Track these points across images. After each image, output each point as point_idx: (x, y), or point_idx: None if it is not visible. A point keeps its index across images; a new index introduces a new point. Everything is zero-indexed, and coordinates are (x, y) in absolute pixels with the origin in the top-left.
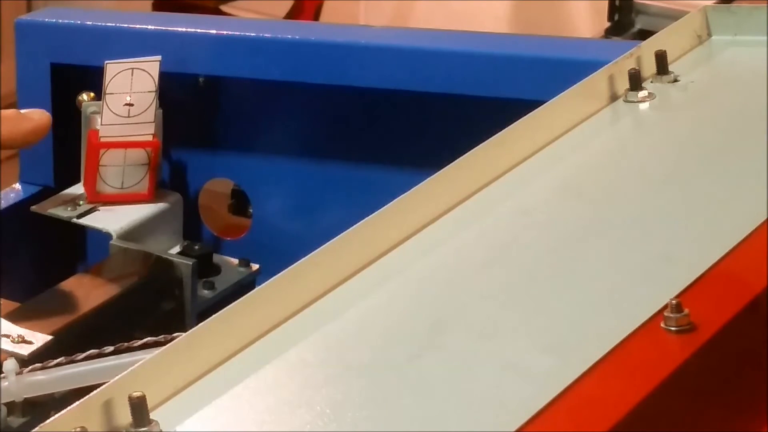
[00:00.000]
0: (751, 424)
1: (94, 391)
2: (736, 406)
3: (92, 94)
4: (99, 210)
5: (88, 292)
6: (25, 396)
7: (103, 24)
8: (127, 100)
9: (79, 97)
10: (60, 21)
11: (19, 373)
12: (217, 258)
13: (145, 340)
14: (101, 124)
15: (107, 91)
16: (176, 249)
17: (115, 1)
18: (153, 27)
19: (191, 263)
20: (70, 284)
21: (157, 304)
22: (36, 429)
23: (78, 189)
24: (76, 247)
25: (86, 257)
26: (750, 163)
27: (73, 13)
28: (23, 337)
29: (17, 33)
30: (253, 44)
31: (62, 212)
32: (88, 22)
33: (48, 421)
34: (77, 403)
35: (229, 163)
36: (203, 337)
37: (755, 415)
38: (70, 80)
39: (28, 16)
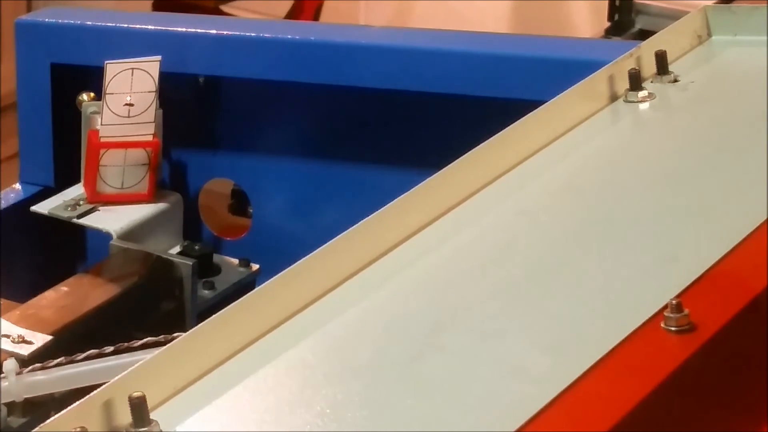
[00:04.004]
0: (751, 424)
1: (94, 391)
2: (736, 406)
3: (92, 94)
4: (99, 210)
5: (88, 292)
6: (25, 396)
7: (103, 24)
8: (128, 100)
9: (79, 97)
10: (60, 21)
11: (19, 373)
12: (217, 258)
13: (145, 340)
14: (101, 124)
15: (107, 91)
16: (176, 249)
17: (115, 1)
18: (153, 27)
19: (191, 263)
20: (70, 284)
21: (157, 304)
22: (36, 429)
23: (78, 189)
24: (76, 247)
25: (86, 257)
26: (750, 163)
27: (73, 13)
28: (23, 337)
29: (17, 33)
30: (253, 44)
31: (62, 212)
32: (88, 22)
33: (48, 421)
34: (77, 403)
35: (229, 163)
36: (203, 337)
37: (755, 415)
38: (70, 80)
39: (28, 16)
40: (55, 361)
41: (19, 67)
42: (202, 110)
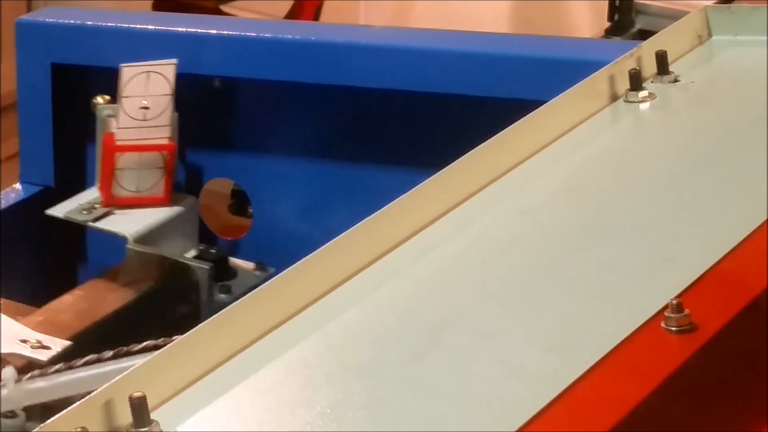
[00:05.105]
0: (751, 424)
1: (95, 391)
2: (736, 406)
3: (107, 97)
4: (114, 213)
5: (105, 296)
6: (25, 404)
7: (103, 24)
8: (143, 104)
9: (94, 100)
10: (60, 21)
11: (18, 381)
12: (232, 261)
13: (144, 344)
14: (117, 128)
15: (123, 95)
16: (192, 253)
17: (115, 1)
18: (153, 27)
19: (208, 267)
20: (86, 288)
21: (173, 308)
22: (36, 429)
23: (93, 192)
24: (76, 246)
25: (86, 257)
26: (750, 163)
27: (73, 13)
28: (41, 342)
29: (17, 33)
30: (253, 44)
31: (78, 216)
32: (88, 22)
33: (48, 421)
34: (78, 403)
35: (229, 163)
36: (203, 337)
37: (755, 415)
38: (70, 80)
39: (28, 16)
40: (54, 368)
41: (19, 67)
42: (201, 110)
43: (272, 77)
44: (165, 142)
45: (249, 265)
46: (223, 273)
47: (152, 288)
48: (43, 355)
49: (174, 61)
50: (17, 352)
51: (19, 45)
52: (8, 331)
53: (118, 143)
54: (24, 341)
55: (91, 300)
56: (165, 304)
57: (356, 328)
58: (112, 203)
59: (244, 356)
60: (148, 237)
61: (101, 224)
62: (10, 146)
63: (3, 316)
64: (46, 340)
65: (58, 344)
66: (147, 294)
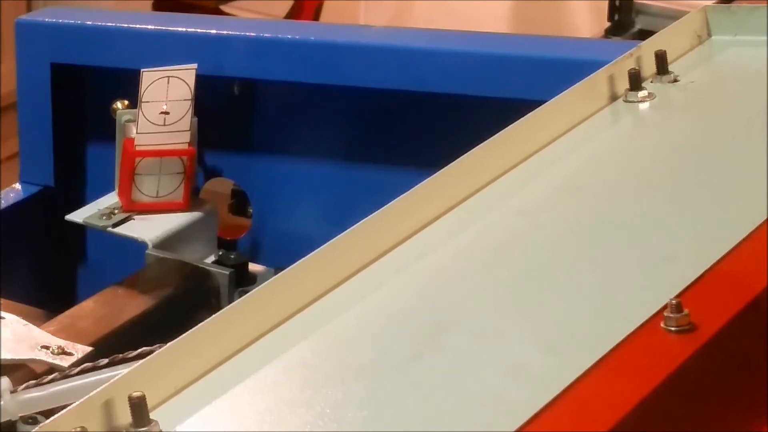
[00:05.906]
0: (751, 424)
1: (95, 391)
2: (736, 406)
3: (126, 102)
4: (134, 219)
5: (125, 302)
6: (21, 414)
7: (103, 24)
8: (163, 109)
9: (114, 105)
10: (60, 21)
11: (13, 392)
12: (251, 267)
13: (140, 350)
14: (137, 133)
15: (143, 100)
16: (211, 258)
17: (115, 1)
18: (153, 27)
19: (228, 272)
20: (106, 294)
21: (193, 314)
22: (36, 429)
23: (112, 198)
24: (76, 246)
25: (85, 257)
26: (750, 163)
27: (73, 13)
28: (63, 348)
29: (17, 33)
30: (253, 44)
31: (97, 221)
32: (88, 22)
33: (48, 421)
34: (77, 402)
35: (229, 163)
36: (203, 336)
37: (755, 415)
38: (70, 80)
39: (28, 16)
40: (50, 377)
41: (19, 67)
42: (201, 110)
43: (272, 78)
44: (185, 147)
45: (269, 270)
46: (243, 278)
47: (172, 294)
48: (65, 361)
49: (194, 66)
50: (39, 358)
51: (19, 45)
52: (29, 337)
53: (138, 148)
54: (45, 347)
55: (111, 306)
56: (185, 310)
57: (356, 328)
58: (132, 209)
59: (244, 356)
60: (167, 242)
61: (121, 230)
62: (10, 146)
63: (25, 322)
64: (68, 346)
65: (80, 350)
66: (167, 300)
